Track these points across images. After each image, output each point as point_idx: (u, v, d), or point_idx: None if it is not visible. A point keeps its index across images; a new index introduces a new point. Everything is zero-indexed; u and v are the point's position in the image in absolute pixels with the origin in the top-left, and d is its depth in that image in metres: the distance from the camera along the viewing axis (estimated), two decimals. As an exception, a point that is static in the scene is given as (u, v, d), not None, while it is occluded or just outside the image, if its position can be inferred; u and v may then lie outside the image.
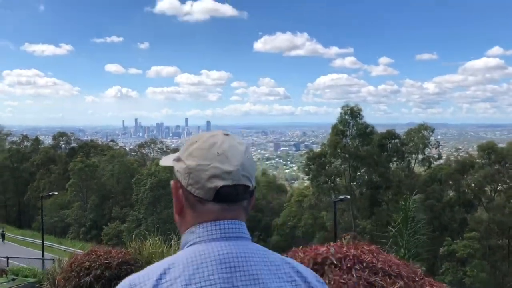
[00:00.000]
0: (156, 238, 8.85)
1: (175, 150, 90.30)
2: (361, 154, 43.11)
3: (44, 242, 51.44)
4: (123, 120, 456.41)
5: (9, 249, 47.82)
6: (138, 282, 1.08)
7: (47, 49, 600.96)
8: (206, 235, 1.12)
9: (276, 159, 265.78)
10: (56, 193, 47.94)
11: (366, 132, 43.52)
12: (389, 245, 7.30)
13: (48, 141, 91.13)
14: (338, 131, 43.49)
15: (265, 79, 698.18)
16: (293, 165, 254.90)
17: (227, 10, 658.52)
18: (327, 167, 43.05)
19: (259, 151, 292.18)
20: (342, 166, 43.96)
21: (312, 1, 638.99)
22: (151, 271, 1.09)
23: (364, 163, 43.80)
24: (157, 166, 58.64)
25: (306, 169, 44.89)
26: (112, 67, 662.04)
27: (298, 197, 48.77)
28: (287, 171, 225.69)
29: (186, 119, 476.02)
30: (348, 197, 22.82)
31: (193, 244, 1.13)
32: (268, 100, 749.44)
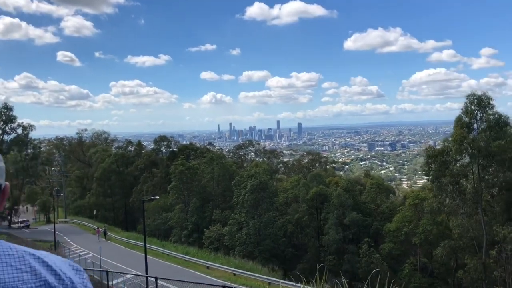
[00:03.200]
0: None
1: (271, 151, 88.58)
2: (492, 150, 36.80)
3: (148, 245, 51.83)
4: (218, 125, 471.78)
5: (115, 251, 48.75)
6: None
7: (148, 60, 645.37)
8: None
9: (371, 160, 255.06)
10: (157, 197, 47.75)
11: (498, 124, 37.09)
12: None
13: (151, 146, 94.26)
14: (463, 124, 37.56)
15: (357, 78, 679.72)
16: (389, 166, 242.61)
17: (316, 10, 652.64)
18: (451, 166, 37.36)
19: (352, 151, 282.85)
20: (470, 164, 37.90)
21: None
22: None
23: (496, 160, 37.39)
24: (257, 167, 56.70)
25: (426, 169, 39.45)
26: (207, 75, 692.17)
27: (413, 200, 43.48)
28: (383, 171, 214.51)
29: (278, 122, 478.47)
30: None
31: None
32: (361, 100, 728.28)
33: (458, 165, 37.79)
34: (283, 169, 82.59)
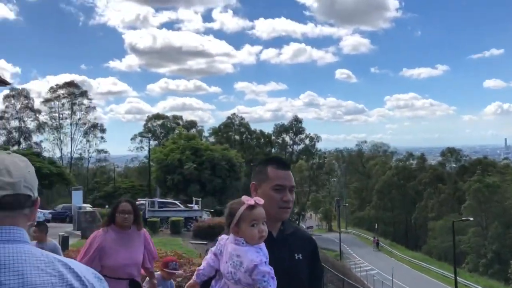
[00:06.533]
0: None
1: None
2: None
3: (436, 269, 45.84)
4: (505, 139, 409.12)
5: (401, 271, 44.72)
6: None
7: (423, 72, 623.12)
8: None
9: None
10: (471, 218, 41.26)
11: None
12: None
13: (429, 160, 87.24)
14: None
15: None
16: None
17: None
18: None
19: None
20: None
21: None
22: None
23: None
24: None
25: None
26: (491, 83, 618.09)
27: None
28: None
29: None
30: None
31: None
32: None
33: None
34: None
